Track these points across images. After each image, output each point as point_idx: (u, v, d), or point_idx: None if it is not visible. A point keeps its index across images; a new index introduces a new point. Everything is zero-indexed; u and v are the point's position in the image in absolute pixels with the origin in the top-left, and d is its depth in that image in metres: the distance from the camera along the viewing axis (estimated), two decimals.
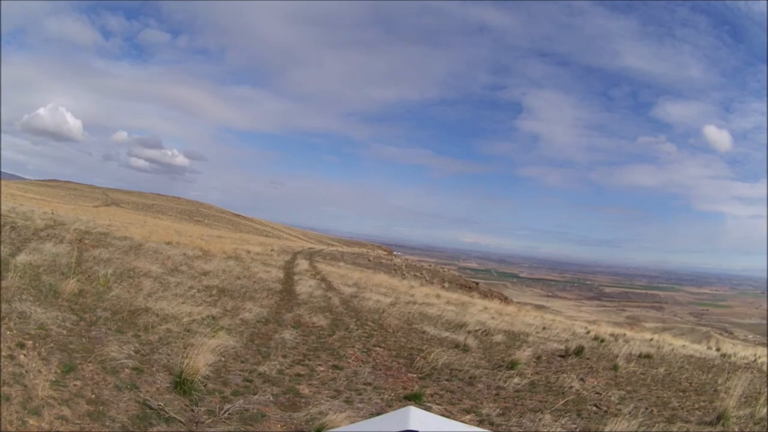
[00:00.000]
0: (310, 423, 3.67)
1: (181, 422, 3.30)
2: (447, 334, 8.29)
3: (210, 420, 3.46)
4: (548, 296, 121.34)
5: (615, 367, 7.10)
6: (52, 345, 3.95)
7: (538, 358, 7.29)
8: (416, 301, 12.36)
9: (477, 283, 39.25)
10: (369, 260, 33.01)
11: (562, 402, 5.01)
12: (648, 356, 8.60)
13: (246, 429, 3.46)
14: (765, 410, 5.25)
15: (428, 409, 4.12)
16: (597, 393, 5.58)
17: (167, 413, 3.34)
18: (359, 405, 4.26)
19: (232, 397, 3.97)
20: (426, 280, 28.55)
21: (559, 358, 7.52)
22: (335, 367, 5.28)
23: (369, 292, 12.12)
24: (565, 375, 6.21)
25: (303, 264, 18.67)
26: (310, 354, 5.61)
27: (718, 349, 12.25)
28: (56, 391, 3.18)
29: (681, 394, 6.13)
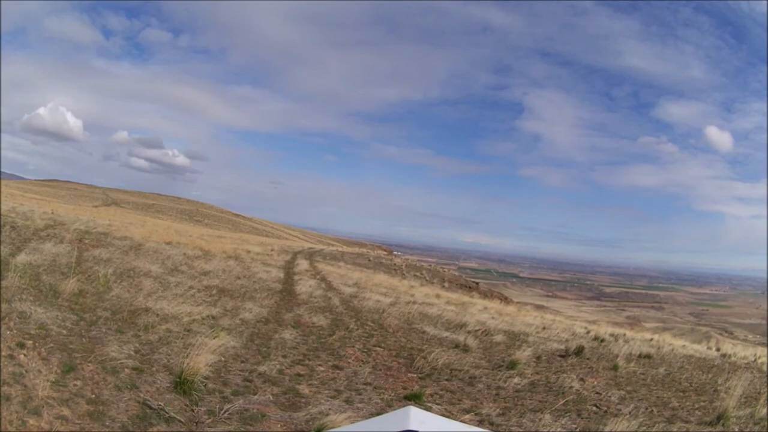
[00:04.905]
0: (310, 423, 3.67)
1: (181, 422, 3.30)
2: (447, 334, 8.28)
3: (210, 420, 3.46)
4: (548, 296, 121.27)
5: (615, 367, 7.10)
6: (52, 345, 3.95)
7: (538, 358, 7.29)
8: (416, 301, 12.35)
9: (477, 283, 39.24)
10: (369, 260, 33.00)
11: (562, 402, 5.01)
12: (648, 356, 8.60)
13: (246, 429, 3.46)
14: (765, 410, 5.25)
15: (428, 409, 4.12)
16: (597, 393, 5.58)
17: (167, 413, 3.33)
18: (359, 405, 4.25)
19: (232, 397, 3.97)
20: (426, 280, 28.54)
21: (559, 358, 7.52)
22: (335, 367, 5.28)
23: (369, 292, 12.12)
24: (565, 375, 6.21)
25: (303, 264, 18.66)
26: (310, 354, 5.61)
27: (718, 349, 12.24)
28: (56, 391, 3.18)
29: (681, 394, 6.13)
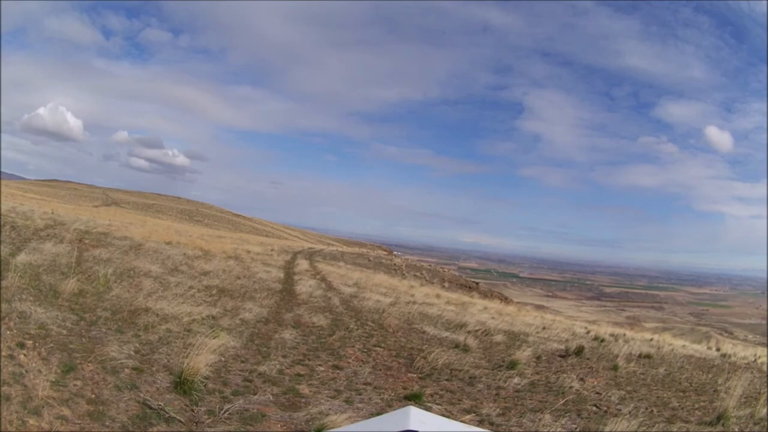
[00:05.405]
0: (310, 423, 3.67)
1: (181, 422, 3.30)
2: (447, 334, 8.28)
3: (210, 420, 3.46)
4: (548, 296, 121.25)
5: (615, 367, 7.10)
6: (52, 345, 3.95)
7: (538, 358, 7.29)
8: (416, 301, 12.35)
9: (477, 283, 39.24)
10: (369, 260, 33.00)
11: (562, 402, 5.01)
12: (648, 356, 8.60)
13: (246, 429, 3.46)
14: (765, 410, 5.25)
15: (428, 409, 4.12)
16: (597, 393, 5.58)
17: (167, 413, 3.33)
18: (359, 405, 4.25)
19: (232, 397, 3.97)
20: (426, 280, 28.54)
21: (559, 358, 7.52)
22: (335, 367, 5.28)
23: (369, 292, 12.12)
24: (565, 375, 6.21)
25: (303, 264, 18.66)
26: (310, 354, 5.61)
27: (718, 349, 12.25)
28: (56, 391, 3.18)
29: (681, 394, 6.13)
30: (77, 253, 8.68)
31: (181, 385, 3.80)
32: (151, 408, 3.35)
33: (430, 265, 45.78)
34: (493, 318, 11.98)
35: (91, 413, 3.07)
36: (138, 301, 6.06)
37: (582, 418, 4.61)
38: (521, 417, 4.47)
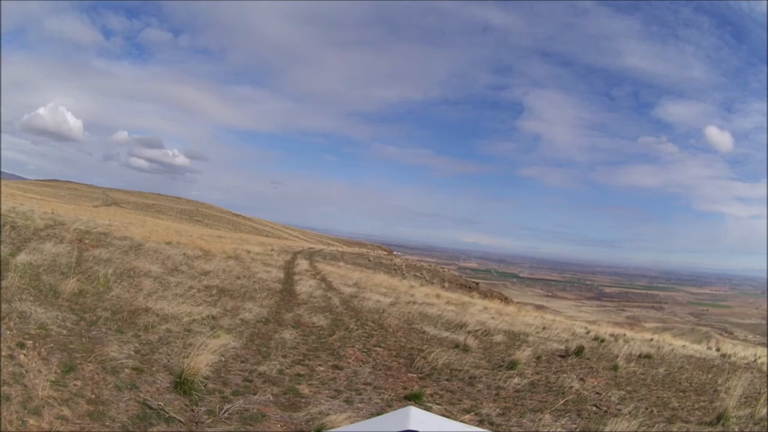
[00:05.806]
0: (310, 423, 3.67)
1: (181, 422, 3.30)
2: (447, 334, 8.29)
3: (210, 420, 3.46)
4: (548, 296, 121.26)
5: (615, 367, 7.10)
6: (52, 345, 3.95)
7: (538, 358, 7.29)
8: (416, 301, 12.35)
9: (477, 283, 39.25)
10: (369, 260, 33.01)
11: (562, 402, 5.01)
12: (648, 356, 8.60)
13: (246, 429, 3.46)
14: (765, 410, 5.25)
15: (428, 409, 4.12)
16: (597, 393, 5.58)
17: (167, 413, 3.34)
18: (359, 405, 4.26)
19: (232, 397, 3.97)
20: (426, 280, 28.54)
21: (559, 358, 7.52)
22: (335, 367, 5.28)
23: (369, 292, 12.12)
24: (565, 375, 6.21)
25: (303, 264, 18.66)
26: (310, 354, 5.61)
27: (718, 349, 12.25)
28: (56, 391, 3.18)
29: (681, 394, 6.13)
30: (77, 253, 8.68)
31: (181, 385, 3.80)
32: (151, 408, 3.35)
33: (430, 265, 45.80)
34: (493, 318, 11.98)
35: (91, 413, 3.07)
36: (138, 301, 6.06)
37: (582, 418, 4.62)
38: (521, 417, 4.47)
